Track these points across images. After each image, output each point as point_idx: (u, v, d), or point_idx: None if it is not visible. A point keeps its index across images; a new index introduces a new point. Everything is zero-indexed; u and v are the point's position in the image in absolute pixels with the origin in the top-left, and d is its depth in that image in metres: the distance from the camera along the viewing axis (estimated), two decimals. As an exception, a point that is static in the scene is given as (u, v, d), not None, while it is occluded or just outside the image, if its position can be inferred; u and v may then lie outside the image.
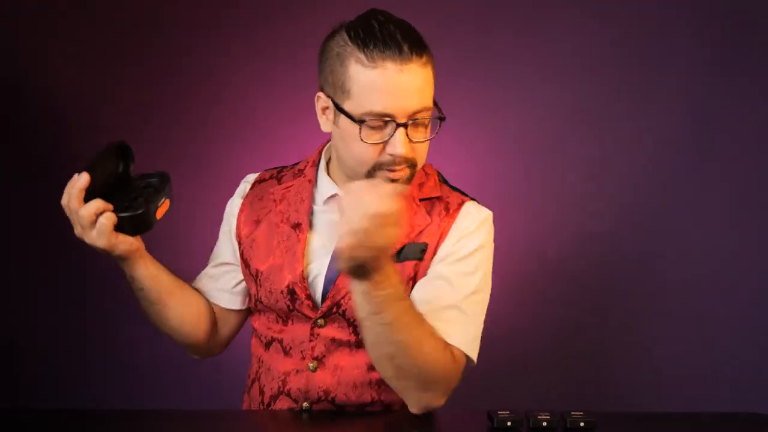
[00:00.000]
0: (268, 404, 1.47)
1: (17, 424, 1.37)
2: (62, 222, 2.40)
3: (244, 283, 1.54)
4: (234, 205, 1.54)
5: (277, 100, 2.26)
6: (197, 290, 1.55)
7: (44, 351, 2.33)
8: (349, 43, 1.32)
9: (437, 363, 1.32)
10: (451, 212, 1.42)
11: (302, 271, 1.43)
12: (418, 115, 1.32)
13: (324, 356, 1.43)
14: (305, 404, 1.44)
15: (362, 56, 1.30)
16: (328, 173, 1.48)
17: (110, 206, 1.33)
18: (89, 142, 2.30)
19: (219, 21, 2.29)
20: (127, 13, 2.29)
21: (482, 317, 1.42)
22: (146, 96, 2.31)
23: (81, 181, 1.34)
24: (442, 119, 1.35)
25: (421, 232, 1.41)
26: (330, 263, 1.43)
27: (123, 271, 1.42)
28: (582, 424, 1.27)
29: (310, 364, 1.43)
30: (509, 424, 1.27)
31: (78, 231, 1.37)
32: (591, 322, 2.34)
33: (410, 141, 1.32)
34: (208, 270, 1.57)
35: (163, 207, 1.39)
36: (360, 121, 1.30)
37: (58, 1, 2.27)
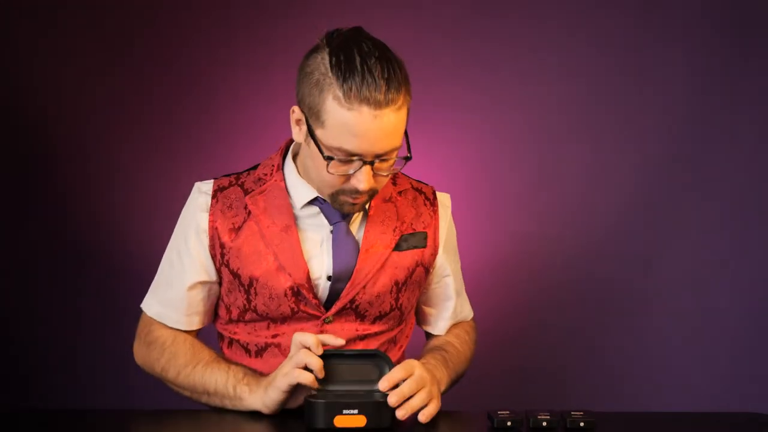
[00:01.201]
0: None
1: (16, 424, 1.38)
2: (59, 222, 2.41)
3: (212, 299, 1.52)
4: (201, 220, 1.47)
5: (276, 99, 2.26)
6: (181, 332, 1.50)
7: (41, 351, 2.33)
8: (330, 74, 1.30)
9: (470, 358, 1.61)
10: (432, 200, 1.56)
11: (308, 272, 1.44)
12: (386, 156, 1.34)
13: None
14: None
15: (340, 94, 1.29)
16: (300, 175, 1.48)
17: (313, 382, 1.29)
18: (87, 142, 2.31)
19: (217, 19, 2.29)
20: (125, 13, 2.30)
21: None
22: (144, 95, 2.31)
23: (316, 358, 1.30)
24: (407, 159, 1.37)
25: (414, 222, 1.52)
26: (334, 262, 1.44)
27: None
28: (582, 424, 1.27)
29: None
30: (509, 424, 1.27)
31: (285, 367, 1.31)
32: (591, 323, 2.34)
33: (375, 174, 1.35)
34: (173, 298, 1.49)
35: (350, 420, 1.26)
36: (328, 158, 1.33)
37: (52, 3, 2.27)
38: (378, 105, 1.28)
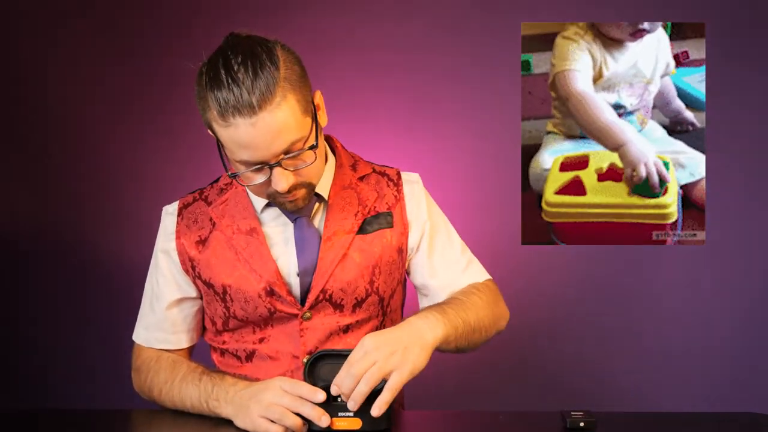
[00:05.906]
0: None
1: (17, 424, 1.37)
2: (56, 223, 2.41)
3: (197, 316, 1.54)
4: (169, 241, 1.51)
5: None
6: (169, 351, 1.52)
7: (41, 352, 2.33)
8: (206, 93, 1.29)
9: (491, 307, 1.48)
10: (396, 181, 1.53)
11: (277, 270, 1.44)
12: (292, 149, 1.31)
13: (317, 348, 1.44)
14: None
15: (215, 113, 1.28)
16: None
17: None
18: (86, 143, 2.31)
19: (218, 21, 2.29)
20: (125, 15, 2.30)
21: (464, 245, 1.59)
22: (145, 97, 2.31)
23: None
24: (312, 147, 1.33)
25: (378, 203, 1.49)
26: (299, 257, 1.45)
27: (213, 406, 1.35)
28: (582, 424, 1.27)
29: (305, 360, 1.43)
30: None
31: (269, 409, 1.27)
32: (592, 323, 2.34)
33: (293, 170, 1.33)
34: (156, 321, 1.52)
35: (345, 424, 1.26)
36: (232, 175, 1.34)
37: (57, 3, 2.28)
38: (251, 112, 1.25)
